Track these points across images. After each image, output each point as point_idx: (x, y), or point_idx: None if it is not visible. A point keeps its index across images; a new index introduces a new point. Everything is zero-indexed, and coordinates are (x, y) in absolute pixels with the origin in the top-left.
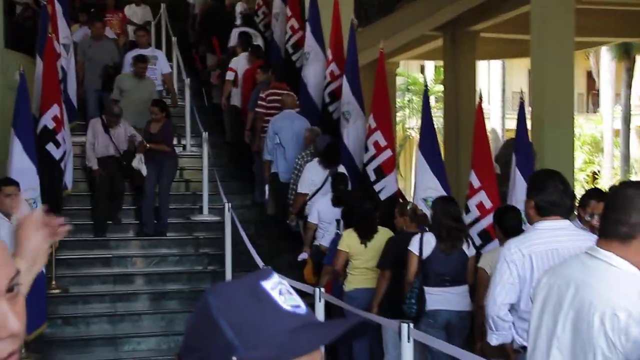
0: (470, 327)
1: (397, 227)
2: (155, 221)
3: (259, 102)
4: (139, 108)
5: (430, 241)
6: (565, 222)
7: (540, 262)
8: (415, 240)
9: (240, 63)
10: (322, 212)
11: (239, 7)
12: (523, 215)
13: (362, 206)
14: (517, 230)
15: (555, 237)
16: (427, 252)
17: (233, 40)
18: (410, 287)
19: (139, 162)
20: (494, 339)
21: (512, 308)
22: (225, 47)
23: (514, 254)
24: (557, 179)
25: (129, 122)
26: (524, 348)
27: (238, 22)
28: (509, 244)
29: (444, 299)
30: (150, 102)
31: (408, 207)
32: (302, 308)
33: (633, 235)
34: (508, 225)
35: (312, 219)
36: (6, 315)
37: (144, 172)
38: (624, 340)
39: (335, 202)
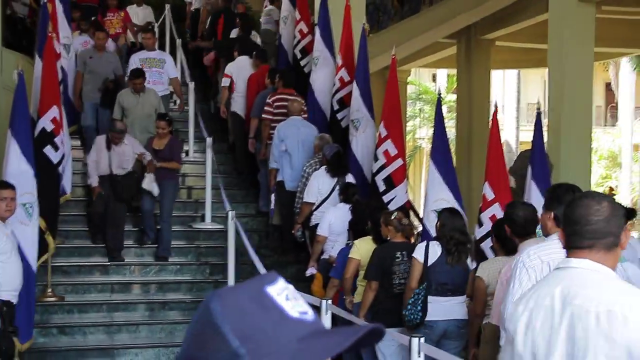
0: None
1: (383, 236)
2: (157, 245)
3: (266, 108)
4: (142, 124)
5: (436, 250)
6: None
7: None
8: (421, 247)
9: (236, 68)
10: (333, 223)
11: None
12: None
13: (378, 215)
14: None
15: None
16: (431, 260)
17: (234, 34)
18: (412, 294)
19: (149, 183)
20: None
21: None
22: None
23: (533, 260)
24: (575, 193)
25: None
26: None
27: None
28: (528, 251)
29: (444, 308)
30: (155, 115)
31: (392, 217)
32: (310, 315)
33: (592, 244)
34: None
35: (323, 231)
36: None
37: (156, 192)
38: (625, 331)
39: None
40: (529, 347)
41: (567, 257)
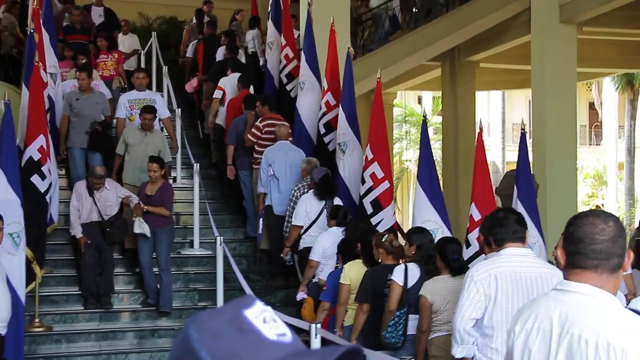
0: None
1: (375, 259)
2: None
3: (254, 131)
4: (143, 163)
5: (414, 273)
6: (527, 250)
7: (503, 282)
8: (399, 270)
9: (229, 83)
10: (327, 248)
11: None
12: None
13: (369, 238)
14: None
15: (517, 262)
16: (411, 283)
17: (219, 56)
18: (392, 316)
19: (139, 225)
20: (458, 352)
21: (475, 324)
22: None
23: (481, 274)
24: (507, 212)
25: (129, 180)
26: None
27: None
28: (477, 266)
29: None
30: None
31: (384, 239)
32: (288, 336)
33: (597, 265)
34: (448, 252)
35: (316, 256)
36: None
37: (148, 233)
38: None
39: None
40: None
41: (567, 277)
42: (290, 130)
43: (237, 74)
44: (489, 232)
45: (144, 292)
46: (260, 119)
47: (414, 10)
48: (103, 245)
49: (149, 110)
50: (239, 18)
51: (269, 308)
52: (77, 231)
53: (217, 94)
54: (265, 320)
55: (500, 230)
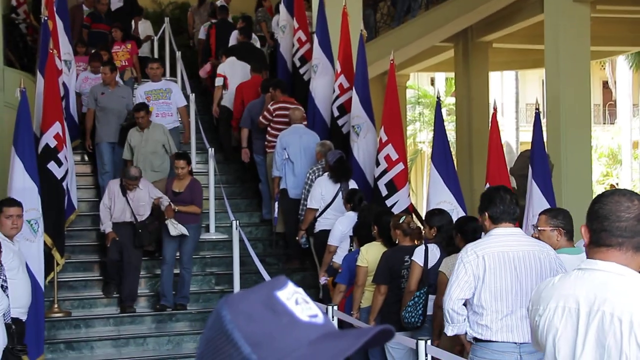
0: None
1: (393, 240)
2: (174, 292)
3: (265, 113)
4: (147, 161)
5: (435, 253)
6: (516, 229)
7: (492, 262)
8: (420, 251)
9: (229, 68)
10: (344, 233)
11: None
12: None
13: (387, 219)
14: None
15: (506, 242)
16: (431, 263)
17: (232, 41)
18: (412, 296)
19: (174, 228)
20: (449, 330)
21: (467, 303)
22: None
23: (469, 256)
24: (502, 191)
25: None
26: (476, 339)
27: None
28: (466, 247)
29: None
30: (161, 152)
31: (401, 221)
32: (320, 317)
33: (622, 243)
34: (468, 231)
35: (334, 241)
36: None
37: (186, 232)
38: None
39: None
40: (550, 349)
41: (591, 256)
42: (304, 114)
43: (233, 58)
44: (485, 209)
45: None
46: (272, 102)
47: None
48: (130, 248)
49: (138, 108)
50: (266, 4)
51: (300, 289)
52: (107, 226)
53: (219, 82)
54: (298, 301)
55: (496, 208)
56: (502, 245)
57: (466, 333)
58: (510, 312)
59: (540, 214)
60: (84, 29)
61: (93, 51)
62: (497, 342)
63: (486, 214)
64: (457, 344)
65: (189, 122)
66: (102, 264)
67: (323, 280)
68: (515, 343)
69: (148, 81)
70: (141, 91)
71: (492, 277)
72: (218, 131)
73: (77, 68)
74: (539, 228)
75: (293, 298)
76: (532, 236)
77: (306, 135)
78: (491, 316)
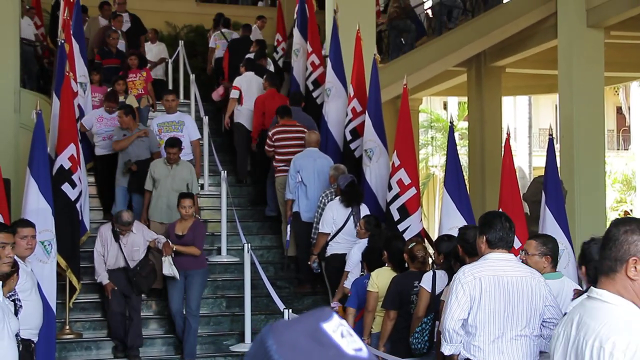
0: None
1: (403, 264)
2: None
3: (267, 141)
4: (171, 199)
5: (443, 279)
6: (510, 255)
7: (487, 285)
8: (428, 277)
9: (245, 82)
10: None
11: None
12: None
13: (395, 244)
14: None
15: (501, 266)
16: (439, 289)
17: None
18: (420, 322)
19: (169, 267)
20: (447, 350)
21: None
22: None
23: (467, 277)
24: (503, 218)
25: (157, 218)
26: None
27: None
28: (463, 269)
29: None
30: (180, 192)
31: (410, 247)
32: (365, 351)
33: (615, 269)
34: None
35: (350, 268)
36: None
37: (177, 275)
38: None
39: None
40: None
41: (597, 284)
42: (319, 137)
43: (251, 73)
44: (483, 233)
45: (174, 337)
46: (271, 128)
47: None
48: (130, 295)
49: (173, 143)
50: (259, 24)
51: (344, 322)
52: (103, 277)
53: (234, 94)
54: (343, 334)
55: (495, 234)
56: (497, 270)
57: (459, 354)
58: (501, 334)
59: (530, 239)
60: (95, 65)
61: (109, 90)
62: None
63: (484, 237)
64: None
65: (201, 156)
66: None
67: (334, 305)
68: None
69: (162, 112)
70: (154, 123)
71: (487, 299)
72: (234, 150)
73: (92, 99)
74: (529, 253)
75: (339, 330)
76: (521, 258)
77: (320, 159)
78: (483, 337)
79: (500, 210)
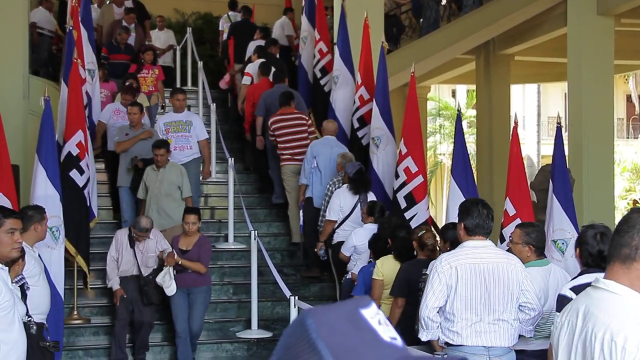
0: None
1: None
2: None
3: (269, 132)
4: (160, 204)
5: None
6: (487, 242)
7: (464, 273)
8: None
9: (256, 70)
10: (359, 246)
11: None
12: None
13: (398, 234)
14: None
15: (477, 254)
16: None
17: (249, 52)
18: None
19: (163, 276)
20: (424, 336)
21: (440, 310)
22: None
23: (443, 266)
24: (480, 205)
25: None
26: (447, 344)
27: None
28: (441, 258)
29: None
30: (176, 196)
31: (419, 234)
32: (399, 341)
33: (634, 258)
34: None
35: (346, 252)
36: None
37: (172, 290)
38: None
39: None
40: (561, 357)
41: (605, 270)
42: (337, 127)
43: (263, 61)
44: (461, 220)
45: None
46: (269, 117)
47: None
48: (140, 304)
49: (159, 144)
50: (289, 16)
51: (381, 311)
52: (114, 282)
53: (246, 80)
54: (380, 322)
55: (472, 220)
56: (474, 257)
57: (438, 338)
58: (479, 320)
59: (516, 227)
60: (103, 61)
61: (127, 83)
62: (468, 345)
63: (462, 224)
64: None
65: (210, 156)
66: None
67: (322, 252)
68: (484, 347)
69: (169, 110)
70: (160, 122)
71: (463, 287)
72: (241, 138)
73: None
74: (513, 241)
75: (376, 318)
76: (507, 245)
77: (337, 148)
78: (461, 323)
79: (481, 197)
